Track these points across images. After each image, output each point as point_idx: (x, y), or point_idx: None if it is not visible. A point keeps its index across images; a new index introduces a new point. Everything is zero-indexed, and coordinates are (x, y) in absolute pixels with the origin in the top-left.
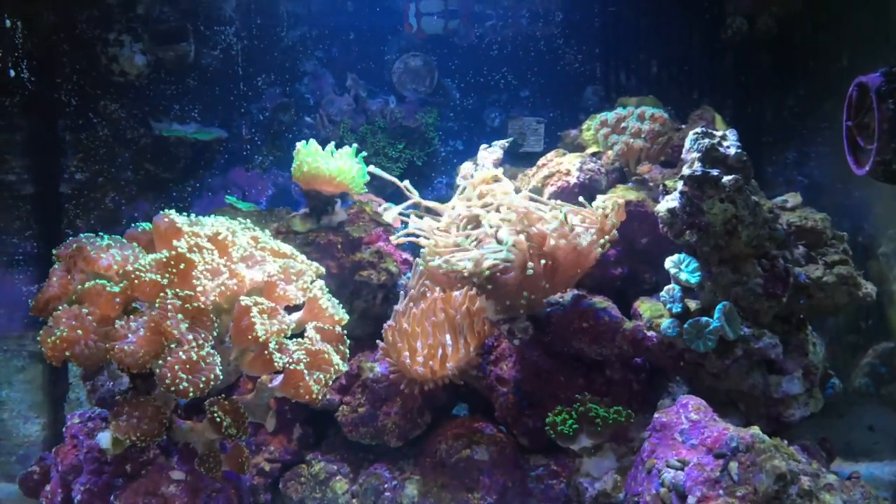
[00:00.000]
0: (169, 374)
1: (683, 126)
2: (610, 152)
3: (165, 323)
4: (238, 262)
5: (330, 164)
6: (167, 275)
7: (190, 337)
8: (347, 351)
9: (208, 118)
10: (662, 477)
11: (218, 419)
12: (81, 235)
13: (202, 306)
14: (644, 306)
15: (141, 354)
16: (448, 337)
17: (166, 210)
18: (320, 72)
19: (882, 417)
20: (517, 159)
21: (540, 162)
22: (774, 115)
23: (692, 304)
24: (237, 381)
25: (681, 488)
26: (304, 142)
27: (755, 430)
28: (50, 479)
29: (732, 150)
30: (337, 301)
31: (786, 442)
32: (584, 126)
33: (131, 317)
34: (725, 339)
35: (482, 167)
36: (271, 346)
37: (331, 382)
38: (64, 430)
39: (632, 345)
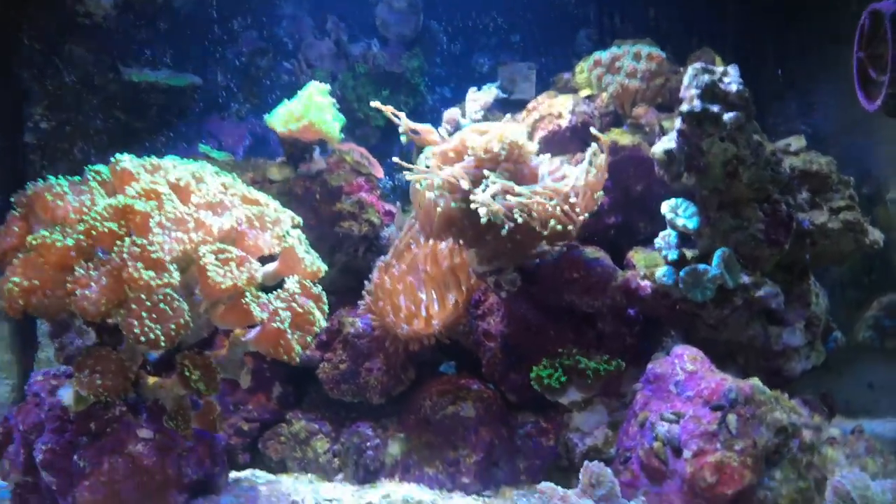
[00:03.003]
0: (136, 323)
1: (681, 69)
2: (604, 95)
3: (127, 270)
4: (205, 209)
5: (305, 111)
6: (123, 223)
7: (153, 285)
8: (327, 307)
9: (181, 63)
10: (656, 430)
11: (187, 373)
12: (39, 180)
13: (162, 257)
14: (638, 256)
15: (103, 302)
16: (434, 293)
17: (123, 155)
18: (299, 14)
19: (885, 373)
20: (507, 106)
21: (530, 105)
22: (777, 61)
23: (689, 254)
24: (212, 339)
25: (676, 442)
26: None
27: (755, 381)
28: (13, 440)
29: (734, 87)
30: (316, 254)
31: (786, 395)
32: (578, 69)
33: (90, 264)
34: (724, 287)
35: (470, 113)
36: (247, 297)
37: (311, 341)
38: (26, 387)
39: (625, 295)
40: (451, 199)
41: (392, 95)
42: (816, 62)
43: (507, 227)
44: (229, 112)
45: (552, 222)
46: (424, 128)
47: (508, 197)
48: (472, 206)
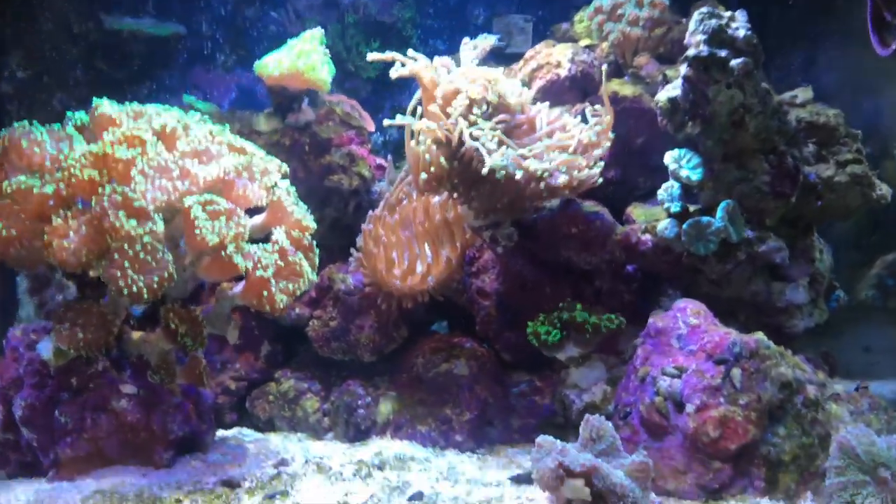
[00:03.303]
0: (119, 274)
1: (683, 20)
2: (604, 44)
3: (108, 219)
4: (191, 157)
5: (296, 57)
6: (104, 171)
7: (136, 235)
8: (317, 260)
9: (165, 12)
10: (658, 385)
11: (172, 326)
12: (15, 125)
13: (145, 206)
14: (638, 211)
15: (84, 253)
16: (427, 248)
17: (102, 99)
18: None
19: (887, 333)
20: (502, 60)
21: (528, 54)
22: (781, 15)
23: (692, 208)
24: (199, 293)
25: (678, 397)
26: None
27: (759, 335)
28: None
29: (742, 32)
30: (306, 207)
31: (790, 352)
32: (577, 17)
33: (69, 213)
34: (728, 241)
35: (463, 63)
36: (229, 248)
37: (299, 293)
38: (4, 342)
39: (625, 250)
40: (443, 154)
41: (383, 47)
42: (823, 13)
43: (519, 172)
44: (215, 63)
45: (575, 173)
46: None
47: (528, 161)
48: (489, 163)
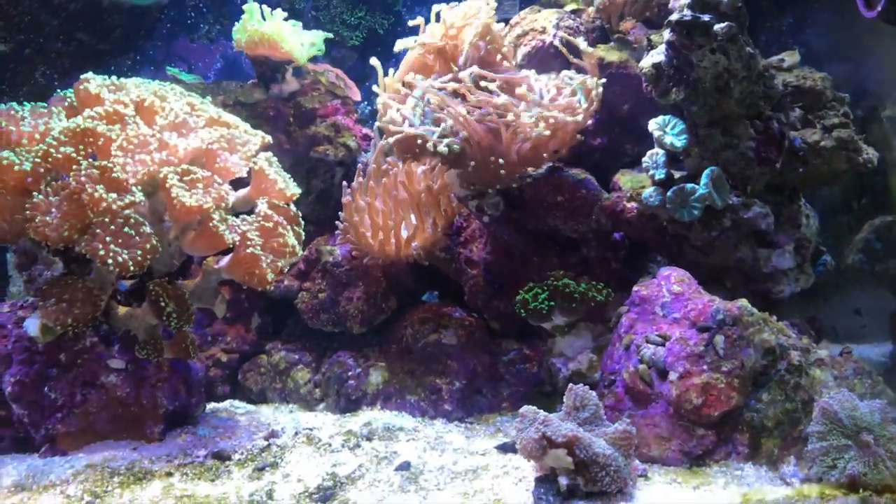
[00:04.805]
0: (100, 246)
1: None
2: (590, 9)
3: (87, 192)
4: (169, 130)
5: (274, 26)
6: (83, 147)
7: (116, 208)
8: (303, 232)
9: None
10: (641, 353)
11: (161, 302)
12: (0, 105)
13: (124, 179)
14: (624, 178)
15: (65, 228)
16: (412, 215)
17: (89, 73)
18: None
19: (872, 298)
20: None
21: (512, 20)
22: None
23: (677, 175)
24: (188, 268)
25: (661, 364)
26: (250, 3)
27: (743, 302)
28: None
29: None
30: (288, 175)
31: (774, 317)
32: None
33: (49, 189)
34: (713, 207)
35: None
36: (215, 219)
37: (286, 268)
38: None
39: (611, 217)
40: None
41: (368, 15)
42: None
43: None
44: (199, 34)
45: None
46: None
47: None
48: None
